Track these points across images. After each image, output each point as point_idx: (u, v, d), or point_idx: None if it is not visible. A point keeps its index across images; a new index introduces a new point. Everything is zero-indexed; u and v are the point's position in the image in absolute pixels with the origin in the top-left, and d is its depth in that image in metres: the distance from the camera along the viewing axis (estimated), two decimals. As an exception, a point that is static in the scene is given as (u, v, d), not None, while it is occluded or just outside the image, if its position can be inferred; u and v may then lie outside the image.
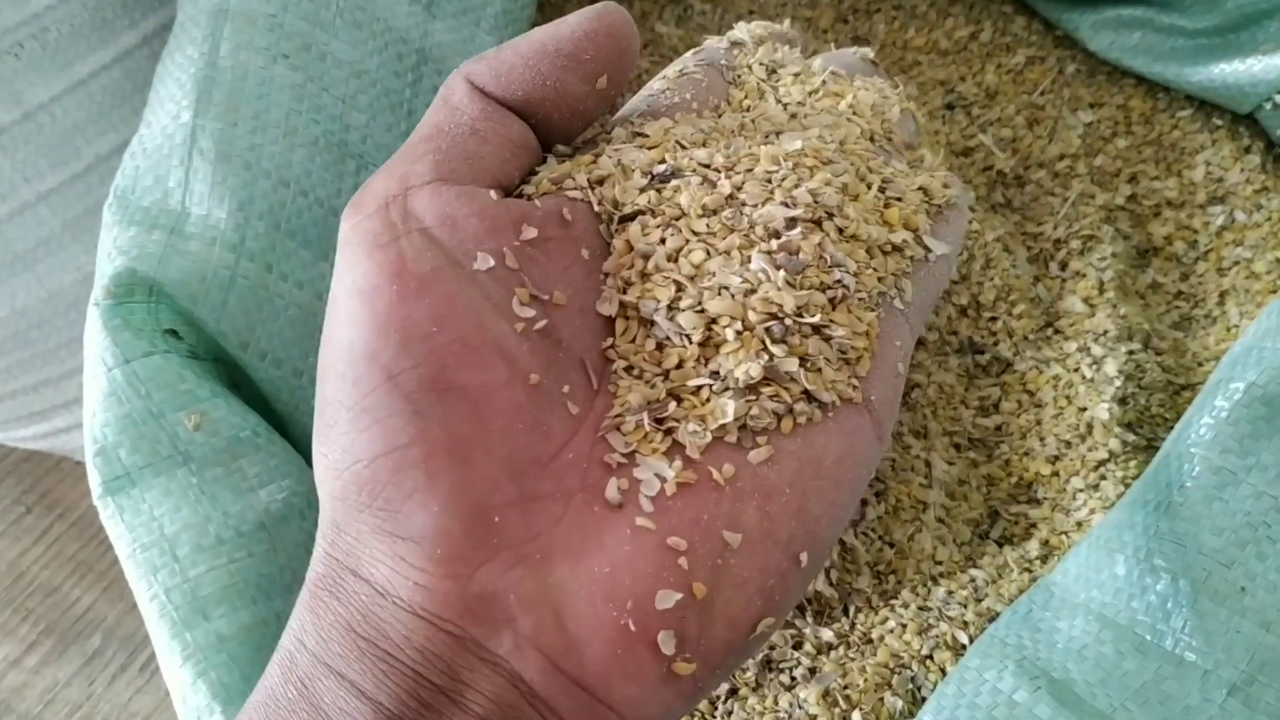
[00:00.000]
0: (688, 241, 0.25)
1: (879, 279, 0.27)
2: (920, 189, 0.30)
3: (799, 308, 0.24)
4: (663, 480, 0.23)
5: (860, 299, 0.26)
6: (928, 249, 0.29)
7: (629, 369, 0.25)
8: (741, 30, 0.34)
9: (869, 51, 0.35)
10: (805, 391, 0.24)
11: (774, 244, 0.25)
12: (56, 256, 0.50)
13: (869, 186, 0.29)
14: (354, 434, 0.22)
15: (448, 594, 0.22)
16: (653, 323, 0.25)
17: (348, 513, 0.23)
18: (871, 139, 0.31)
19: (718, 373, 0.24)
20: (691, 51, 0.33)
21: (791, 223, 0.26)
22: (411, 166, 0.24)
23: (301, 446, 0.35)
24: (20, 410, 0.58)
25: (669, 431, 0.24)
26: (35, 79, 0.45)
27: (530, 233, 0.25)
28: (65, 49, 0.45)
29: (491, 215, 0.24)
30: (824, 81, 0.32)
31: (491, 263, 0.24)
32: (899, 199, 0.29)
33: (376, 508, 0.22)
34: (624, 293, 0.25)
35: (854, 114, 0.31)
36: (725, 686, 0.33)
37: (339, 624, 0.22)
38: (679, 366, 0.24)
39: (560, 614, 0.22)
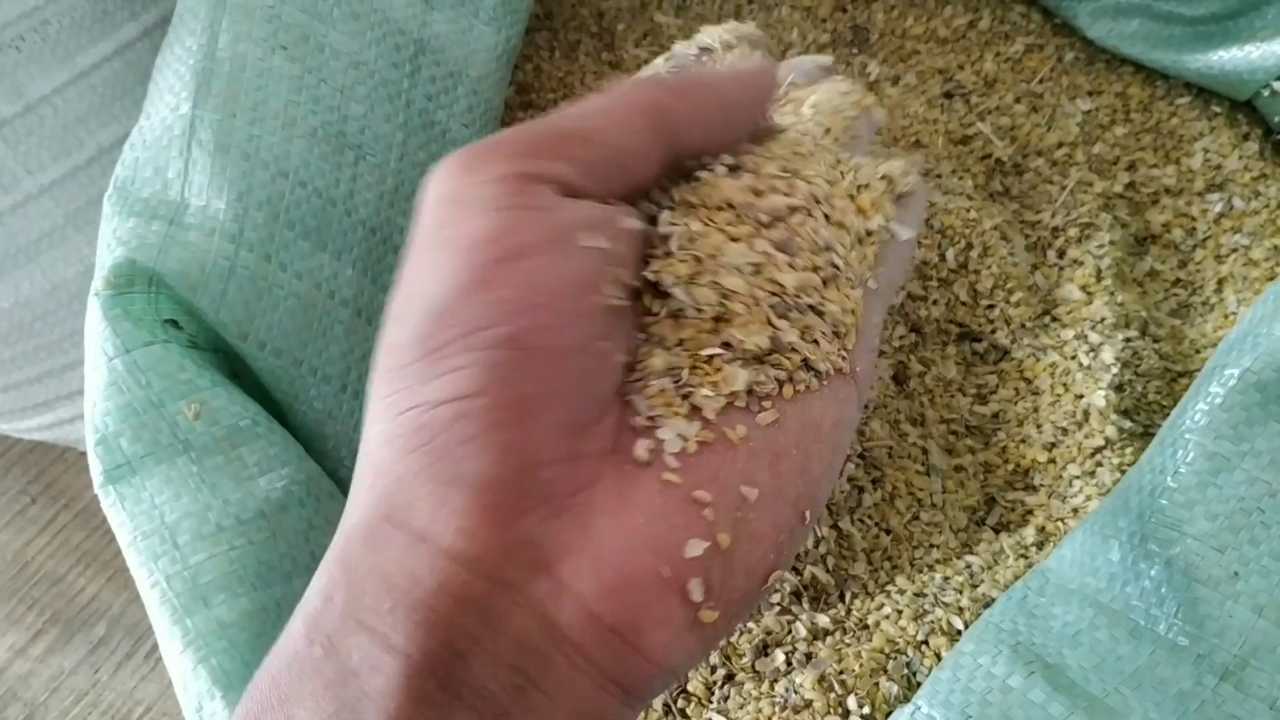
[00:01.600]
0: (704, 225, 0.27)
1: (860, 261, 0.29)
2: (884, 177, 0.32)
3: (798, 287, 0.26)
4: (684, 440, 0.25)
5: (848, 279, 0.28)
6: (894, 233, 0.31)
7: (649, 338, 0.26)
8: (709, 35, 0.35)
9: (827, 59, 0.37)
10: (804, 361, 0.26)
11: (777, 231, 0.27)
12: (59, 248, 0.51)
13: (843, 175, 0.31)
14: (422, 379, 0.23)
15: (489, 540, 0.22)
16: (670, 295, 0.26)
17: (395, 455, 0.23)
18: (836, 138, 0.33)
19: (729, 343, 0.26)
20: (663, 57, 0.34)
21: (792, 211, 0.28)
22: (553, 163, 0.25)
23: (301, 435, 0.36)
24: (25, 401, 0.58)
25: (686, 396, 0.25)
26: (36, 71, 0.45)
27: (632, 224, 0.26)
28: (66, 41, 0.46)
29: (601, 207, 0.25)
30: (784, 90, 0.34)
31: (602, 243, 0.25)
32: (866, 186, 0.31)
33: (427, 449, 0.23)
34: (646, 267, 0.27)
35: (817, 114, 0.33)
36: (722, 672, 0.34)
37: (372, 574, 0.22)
38: (693, 337, 0.26)
39: (599, 562, 0.23)
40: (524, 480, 0.23)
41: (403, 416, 0.23)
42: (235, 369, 0.36)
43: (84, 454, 0.76)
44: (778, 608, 0.35)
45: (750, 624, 0.35)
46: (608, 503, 0.24)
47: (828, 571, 0.36)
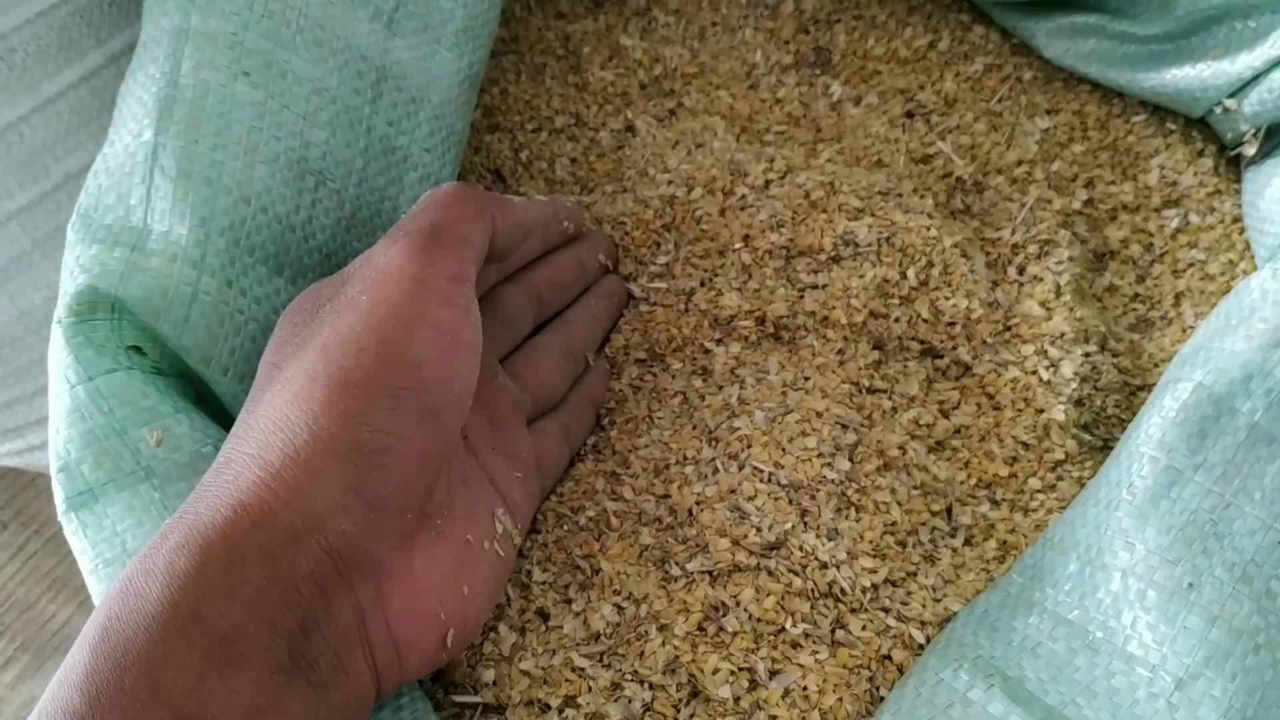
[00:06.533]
0: None
1: None
2: None
3: None
4: None
5: None
6: None
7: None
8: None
9: None
10: None
11: None
12: (27, 274, 0.51)
13: None
14: (376, 404, 0.30)
15: (357, 549, 0.29)
16: None
17: (323, 450, 0.28)
18: None
19: None
20: None
21: None
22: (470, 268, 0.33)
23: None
24: (-6, 427, 0.58)
25: None
26: (3, 99, 0.45)
27: None
28: (33, 69, 0.46)
29: None
30: None
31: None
32: None
33: (353, 460, 0.29)
34: None
35: None
36: (687, 689, 0.34)
37: (256, 551, 0.27)
38: None
39: (407, 591, 0.30)
40: (401, 513, 0.30)
41: (349, 425, 0.28)
42: (199, 394, 0.36)
43: (54, 480, 0.76)
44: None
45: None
46: (427, 547, 0.31)
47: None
